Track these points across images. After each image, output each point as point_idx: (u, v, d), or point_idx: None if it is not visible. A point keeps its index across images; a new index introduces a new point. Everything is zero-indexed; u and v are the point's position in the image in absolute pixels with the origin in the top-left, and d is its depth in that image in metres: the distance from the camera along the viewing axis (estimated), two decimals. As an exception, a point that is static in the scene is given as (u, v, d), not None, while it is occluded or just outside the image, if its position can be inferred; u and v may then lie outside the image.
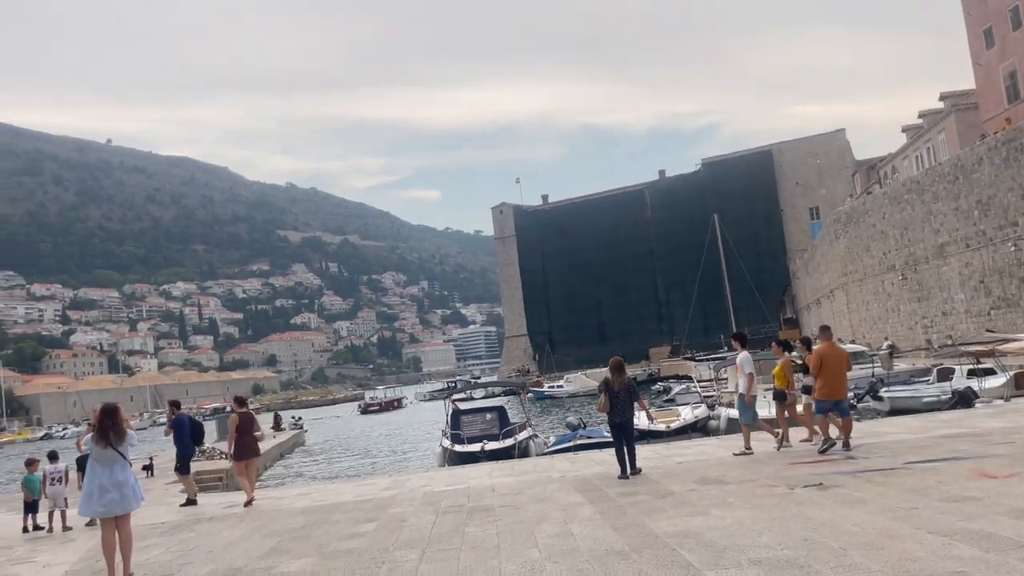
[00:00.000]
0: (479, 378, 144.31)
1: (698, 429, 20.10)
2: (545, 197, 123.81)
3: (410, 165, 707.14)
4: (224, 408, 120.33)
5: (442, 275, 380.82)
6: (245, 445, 12.02)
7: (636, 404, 11.00)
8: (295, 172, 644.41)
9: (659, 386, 29.34)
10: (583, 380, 64.16)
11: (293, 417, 49.75)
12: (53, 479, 11.78)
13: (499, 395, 65.50)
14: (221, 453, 23.49)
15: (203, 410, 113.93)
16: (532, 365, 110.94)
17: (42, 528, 11.81)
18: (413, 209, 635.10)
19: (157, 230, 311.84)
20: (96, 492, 7.15)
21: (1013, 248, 33.41)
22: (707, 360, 47.28)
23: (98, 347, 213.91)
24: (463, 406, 26.53)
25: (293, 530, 9.30)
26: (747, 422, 11.77)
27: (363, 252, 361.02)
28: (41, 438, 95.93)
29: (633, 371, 79.62)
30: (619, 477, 10.60)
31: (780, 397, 12.03)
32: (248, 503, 11.88)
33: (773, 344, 13.91)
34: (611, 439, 20.72)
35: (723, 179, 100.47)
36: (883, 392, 24.88)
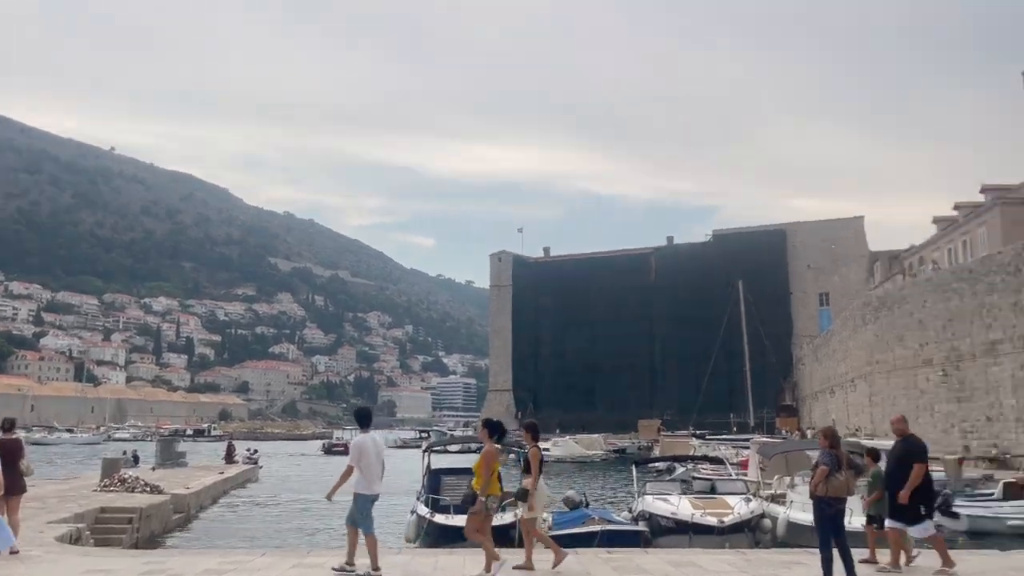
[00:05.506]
0: (454, 430, 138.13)
1: (751, 528, 15.34)
2: (547, 250, 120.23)
3: (409, 209, 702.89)
4: (185, 431, 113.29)
5: (428, 321, 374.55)
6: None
7: None
8: (294, 201, 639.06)
9: (662, 465, 24.94)
10: (571, 446, 58.90)
11: (248, 450, 44.47)
12: None
13: (476, 451, 59.95)
14: None
15: (162, 430, 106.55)
16: (512, 423, 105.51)
17: None
18: (408, 253, 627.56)
19: (148, 242, 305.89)
20: None
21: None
22: (719, 440, 42.55)
23: (67, 353, 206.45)
24: (442, 463, 21.79)
25: None
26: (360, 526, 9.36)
27: (352, 289, 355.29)
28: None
29: (622, 443, 74.90)
30: None
31: (472, 501, 9.12)
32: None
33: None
34: (633, 529, 15.91)
35: (733, 252, 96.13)
36: (959, 507, 20.33)
